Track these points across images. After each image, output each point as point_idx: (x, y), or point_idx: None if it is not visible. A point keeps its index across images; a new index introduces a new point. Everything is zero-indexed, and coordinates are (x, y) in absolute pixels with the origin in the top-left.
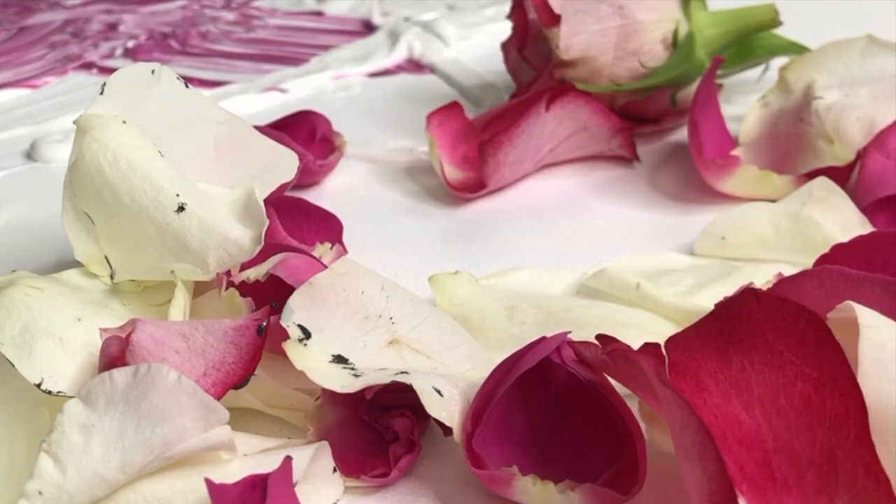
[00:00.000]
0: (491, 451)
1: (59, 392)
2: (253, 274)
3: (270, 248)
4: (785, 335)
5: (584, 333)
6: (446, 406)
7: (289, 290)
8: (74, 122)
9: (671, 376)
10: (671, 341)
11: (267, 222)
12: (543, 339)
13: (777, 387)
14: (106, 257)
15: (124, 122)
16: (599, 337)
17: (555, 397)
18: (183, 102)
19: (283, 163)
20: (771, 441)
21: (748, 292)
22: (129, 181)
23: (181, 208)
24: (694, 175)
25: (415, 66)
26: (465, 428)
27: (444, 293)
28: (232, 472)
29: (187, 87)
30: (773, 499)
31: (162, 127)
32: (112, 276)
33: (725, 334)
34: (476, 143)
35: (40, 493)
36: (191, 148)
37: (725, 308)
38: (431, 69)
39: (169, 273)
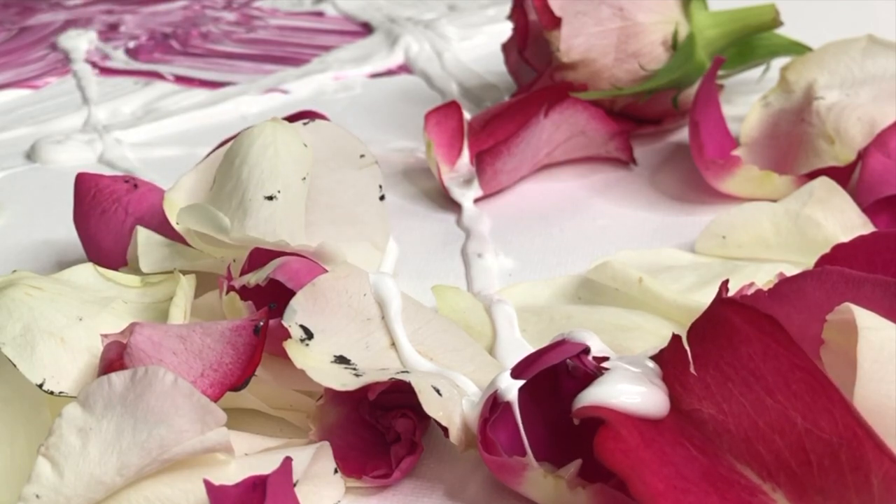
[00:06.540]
0: (503, 441)
1: (61, 392)
2: (253, 279)
3: (270, 251)
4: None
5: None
6: (444, 405)
7: (289, 294)
8: (275, 118)
9: (696, 368)
10: (692, 333)
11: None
12: (565, 341)
13: (783, 373)
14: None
15: (305, 145)
16: None
17: (571, 396)
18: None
19: None
20: (800, 421)
21: (723, 303)
22: (260, 161)
23: (271, 198)
24: (695, 175)
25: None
26: (483, 413)
27: (446, 302)
28: (232, 472)
29: None
30: (811, 484)
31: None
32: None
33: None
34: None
35: (38, 496)
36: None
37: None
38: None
39: (210, 220)
